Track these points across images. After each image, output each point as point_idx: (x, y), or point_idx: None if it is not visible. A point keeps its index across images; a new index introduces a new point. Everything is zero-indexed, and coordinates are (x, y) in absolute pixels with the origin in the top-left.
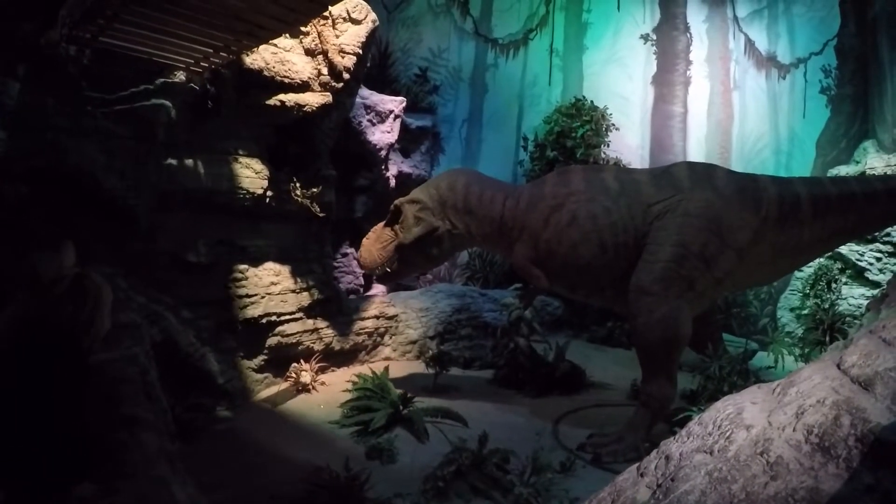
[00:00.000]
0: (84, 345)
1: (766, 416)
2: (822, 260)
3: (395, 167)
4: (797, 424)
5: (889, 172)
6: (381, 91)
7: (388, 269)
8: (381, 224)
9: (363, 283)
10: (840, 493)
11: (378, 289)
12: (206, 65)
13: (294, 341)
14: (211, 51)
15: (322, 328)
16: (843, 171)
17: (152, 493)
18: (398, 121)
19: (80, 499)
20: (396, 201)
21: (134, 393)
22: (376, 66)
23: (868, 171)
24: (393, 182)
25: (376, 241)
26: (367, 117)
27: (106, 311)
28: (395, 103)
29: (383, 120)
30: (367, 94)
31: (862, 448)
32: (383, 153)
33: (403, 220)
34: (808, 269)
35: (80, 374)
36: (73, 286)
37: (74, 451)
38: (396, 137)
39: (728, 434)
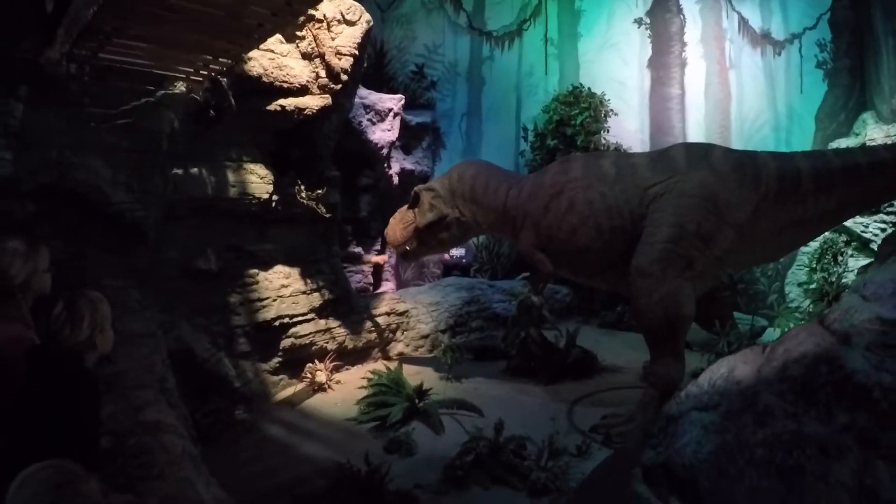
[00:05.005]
0: (89, 364)
1: (756, 373)
2: (826, 233)
3: (397, 165)
4: (783, 376)
5: (889, 142)
6: (378, 90)
7: (408, 248)
8: (406, 206)
9: (372, 281)
10: (820, 434)
11: (387, 286)
12: (206, 72)
13: (307, 342)
14: (210, 57)
15: (334, 328)
16: (843, 143)
17: (180, 493)
18: (398, 118)
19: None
20: (416, 188)
21: (155, 399)
22: (373, 66)
23: (868, 143)
24: (396, 180)
25: (400, 221)
26: (367, 117)
27: (106, 325)
28: (393, 101)
29: (383, 118)
30: (365, 94)
31: (838, 393)
32: (385, 151)
33: (420, 206)
34: (814, 244)
35: (92, 392)
36: (68, 308)
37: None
38: (397, 135)
39: (721, 391)
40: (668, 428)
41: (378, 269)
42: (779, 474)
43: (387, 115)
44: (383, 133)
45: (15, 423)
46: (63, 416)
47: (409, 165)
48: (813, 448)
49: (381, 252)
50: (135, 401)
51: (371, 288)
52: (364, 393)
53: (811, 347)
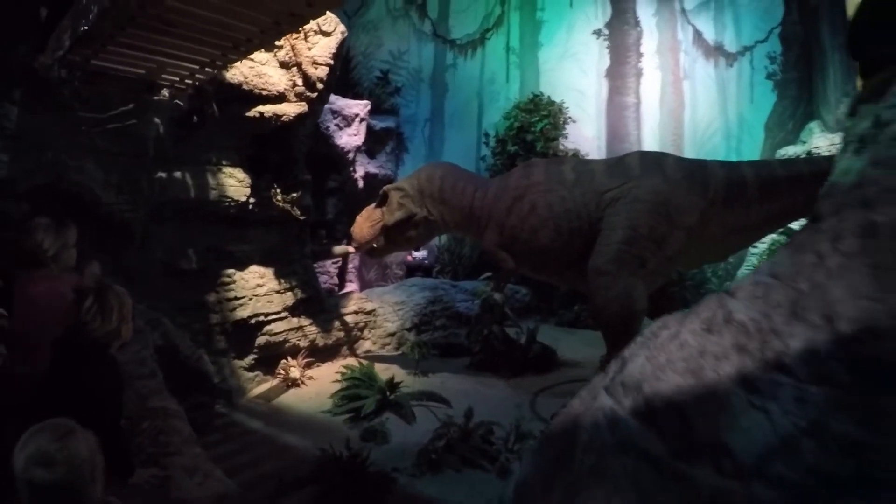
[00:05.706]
0: (112, 351)
1: (679, 321)
2: (774, 235)
3: (362, 168)
4: (696, 321)
5: (834, 151)
6: (344, 95)
7: (374, 245)
8: (374, 205)
9: (337, 282)
10: (715, 349)
11: (351, 287)
12: (191, 81)
13: (281, 339)
14: (197, 66)
15: (306, 325)
16: (791, 151)
17: (196, 467)
18: (364, 123)
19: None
20: (385, 187)
21: (158, 389)
22: (339, 71)
23: (814, 150)
24: (361, 183)
25: (367, 220)
26: (335, 122)
27: (129, 317)
28: (360, 107)
29: (350, 123)
30: (333, 99)
31: (727, 325)
32: (351, 155)
33: (389, 205)
34: (762, 245)
35: (117, 377)
36: (98, 301)
37: (121, 449)
38: (363, 140)
39: (657, 334)
40: (621, 363)
41: (343, 270)
42: (689, 373)
43: (353, 120)
44: (350, 137)
45: (45, 409)
46: (91, 399)
47: (373, 169)
48: (710, 357)
49: None
50: (140, 389)
51: (336, 288)
52: (336, 387)
53: (714, 302)
